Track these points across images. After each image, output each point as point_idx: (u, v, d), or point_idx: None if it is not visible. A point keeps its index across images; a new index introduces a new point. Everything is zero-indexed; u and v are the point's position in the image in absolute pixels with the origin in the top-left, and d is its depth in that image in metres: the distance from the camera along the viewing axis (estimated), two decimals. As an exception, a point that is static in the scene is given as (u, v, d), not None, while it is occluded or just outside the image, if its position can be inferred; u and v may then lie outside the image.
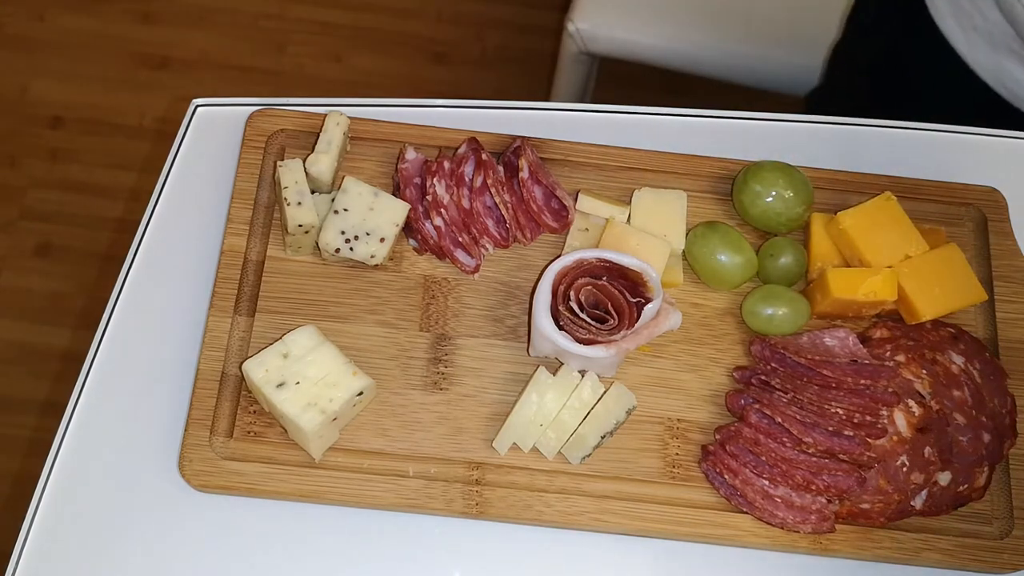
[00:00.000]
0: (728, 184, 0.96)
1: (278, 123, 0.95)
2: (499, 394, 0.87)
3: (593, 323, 0.83)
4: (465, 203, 0.91)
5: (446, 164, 0.91)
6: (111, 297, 0.90)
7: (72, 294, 1.86)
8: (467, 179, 0.92)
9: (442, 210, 0.90)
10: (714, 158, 0.97)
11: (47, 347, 1.82)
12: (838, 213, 0.91)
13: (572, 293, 0.84)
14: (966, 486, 0.85)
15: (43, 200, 1.93)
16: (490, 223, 0.92)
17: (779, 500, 0.83)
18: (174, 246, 0.93)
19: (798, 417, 0.83)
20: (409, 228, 0.91)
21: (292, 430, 0.82)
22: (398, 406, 0.86)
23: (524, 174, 0.91)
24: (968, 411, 0.87)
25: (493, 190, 0.91)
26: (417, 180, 0.92)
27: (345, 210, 0.88)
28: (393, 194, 0.92)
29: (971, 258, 0.95)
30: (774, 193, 0.91)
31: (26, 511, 0.83)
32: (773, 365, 0.87)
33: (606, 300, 0.84)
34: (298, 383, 0.80)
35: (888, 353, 0.88)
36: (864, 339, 0.89)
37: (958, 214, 0.97)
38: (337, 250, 0.87)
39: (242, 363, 0.83)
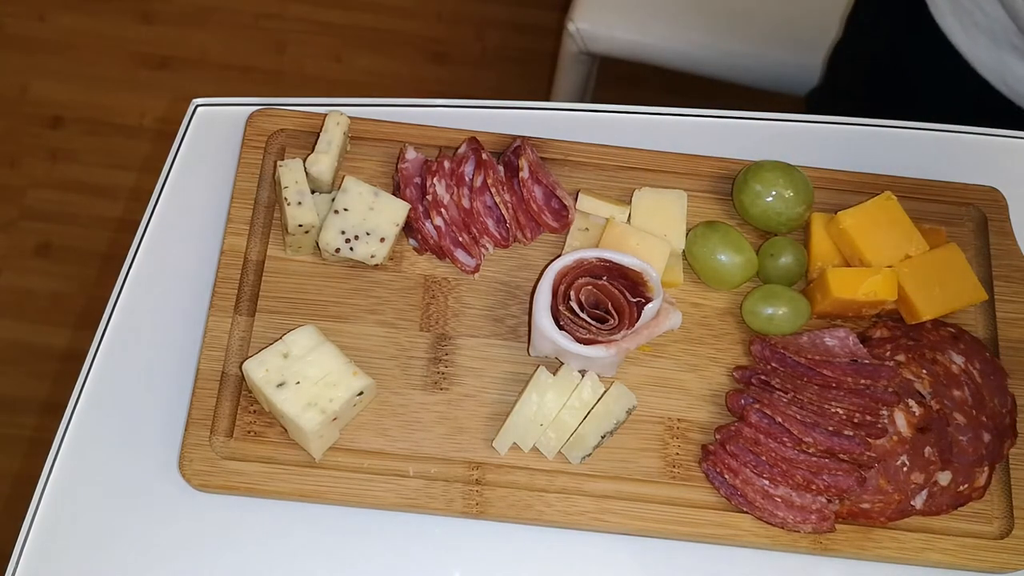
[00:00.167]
0: (728, 184, 0.96)
1: (278, 123, 0.95)
2: (499, 394, 0.87)
3: (593, 323, 0.83)
4: (465, 203, 0.91)
5: (446, 164, 0.91)
6: (111, 297, 0.90)
7: (72, 294, 1.86)
8: (467, 179, 0.92)
9: (442, 210, 0.90)
10: (714, 158, 0.97)
11: (47, 347, 1.82)
12: (838, 213, 0.91)
13: (572, 293, 0.84)
14: (966, 486, 0.85)
15: (43, 200, 1.93)
16: (490, 223, 0.92)
17: (779, 500, 0.83)
18: (174, 246, 0.93)
19: (798, 417, 0.83)
20: (409, 228, 0.91)
21: (292, 430, 0.82)
22: (398, 406, 0.86)
23: (524, 174, 0.91)
24: (968, 411, 0.87)
25: (493, 190, 0.91)
26: (417, 180, 0.92)
27: (345, 210, 0.88)
28: (393, 194, 0.92)
29: (971, 258, 0.95)
30: (774, 193, 0.91)
31: (26, 511, 0.83)
32: (773, 365, 0.87)
33: (606, 300, 0.84)
34: (298, 383, 0.80)
35: (888, 353, 0.88)
36: (864, 339, 0.89)
37: (958, 214, 0.97)
38: (337, 250, 0.87)
39: (242, 363, 0.83)
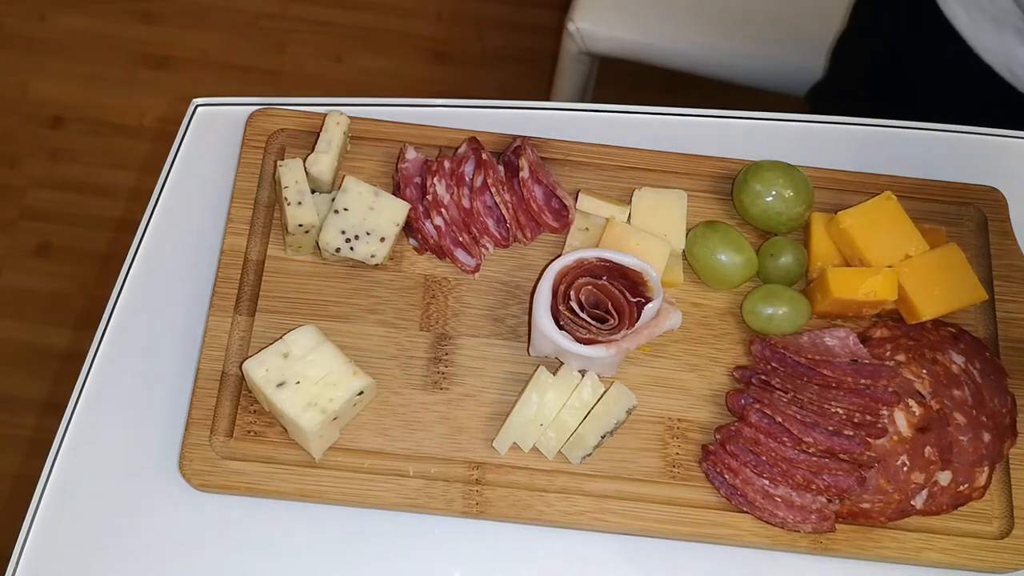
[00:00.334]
0: (728, 184, 0.96)
1: (278, 123, 0.95)
2: (499, 394, 0.87)
3: (593, 323, 0.83)
4: (465, 203, 0.91)
5: (446, 164, 0.91)
6: (111, 297, 0.90)
7: (72, 294, 1.86)
8: (467, 179, 0.92)
9: (442, 210, 0.90)
10: (714, 158, 0.97)
11: (47, 347, 1.82)
12: (838, 213, 0.91)
13: (572, 293, 0.84)
14: (966, 486, 0.85)
15: (43, 200, 1.93)
16: (490, 223, 0.92)
17: (779, 499, 0.83)
18: (174, 246, 0.93)
19: (798, 417, 0.83)
20: (409, 228, 0.91)
21: (292, 430, 0.82)
22: (398, 406, 0.86)
23: (524, 174, 0.91)
24: (968, 411, 0.87)
25: (493, 190, 0.91)
26: (417, 180, 0.92)
27: (345, 210, 0.88)
28: (393, 193, 0.92)
29: (971, 257, 0.95)
30: (774, 193, 0.91)
31: (26, 511, 0.83)
32: (773, 365, 0.87)
33: (606, 300, 0.84)
34: (298, 383, 0.80)
35: (888, 353, 0.88)
36: (864, 339, 0.89)
37: (958, 214, 0.97)
38: (337, 249, 0.87)
39: (242, 363, 0.83)
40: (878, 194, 0.92)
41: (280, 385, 0.80)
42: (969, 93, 1.13)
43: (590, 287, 0.84)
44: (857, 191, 0.96)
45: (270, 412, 0.84)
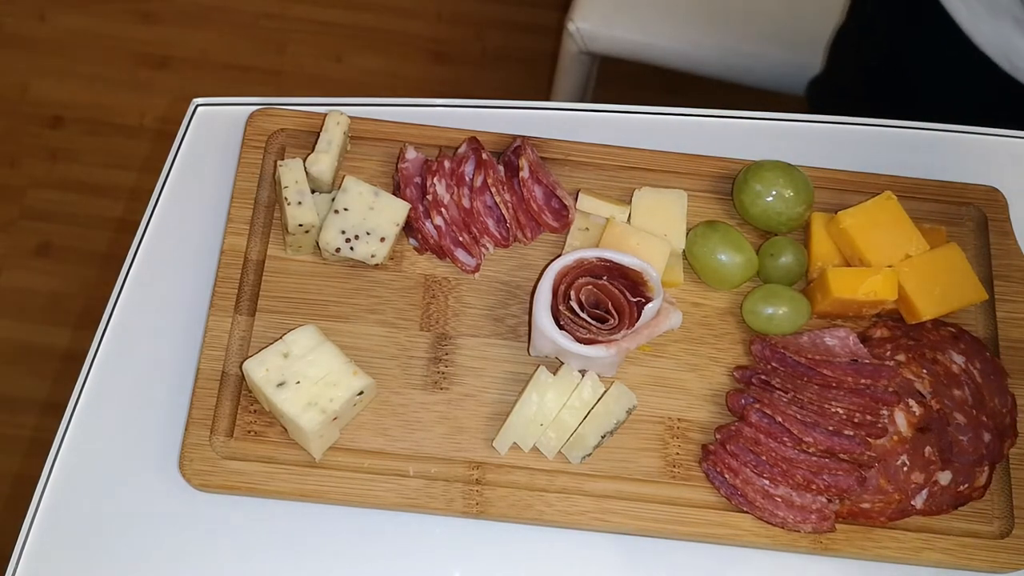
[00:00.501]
0: (729, 184, 0.96)
1: (278, 123, 0.95)
2: (499, 394, 0.87)
3: (593, 323, 0.83)
4: (465, 202, 0.91)
5: (446, 163, 0.91)
6: (111, 297, 0.90)
7: (72, 294, 1.86)
8: (467, 178, 0.92)
9: (442, 209, 0.90)
10: (714, 158, 0.97)
11: (47, 347, 1.82)
12: (838, 212, 0.91)
13: (572, 292, 0.84)
14: (966, 485, 0.85)
15: (43, 200, 1.93)
16: (490, 222, 0.92)
17: (779, 499, 0.83)
18: (174, 246, 0.93)
19: (798, 416, 0.83)
20: (409, 227, 0.91)
21: (292, 430, 0.82)
22: (398, 406, 0.86)
23: (524, 173, 0.91)
24: (968, 410, 0.87)
25: (493, 189, 0.91)
26: (417, 179, 0.92)
27: (345, 209, 0.88)
28: (393, 193, 0.92)
29: (971, 257, 0.95)
30: (774, 192, 0.91)
31: (26, 511, 0.83)
32: (773, 364, 0.87)
33: (606, 299, 0.84)
34: (298, 383, 0.80)
35: (888, 352, 0.88)
36: (864, 339, 0.89)
37: (958, 213, 0.97)
38: (337, 249, 0.87)
39: (242, 363, 0.83)
40: (878, 194, 0.92)
41: (280, 385, 0.80)
42: (967, 84, 1.13)
43: (590, 287, 0.84)
44: (857, 191, 0.96)
45: (270, 412, 0.84)
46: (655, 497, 0.84)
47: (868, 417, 0.84)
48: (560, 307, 0.83)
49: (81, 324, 1.83)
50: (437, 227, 0.90)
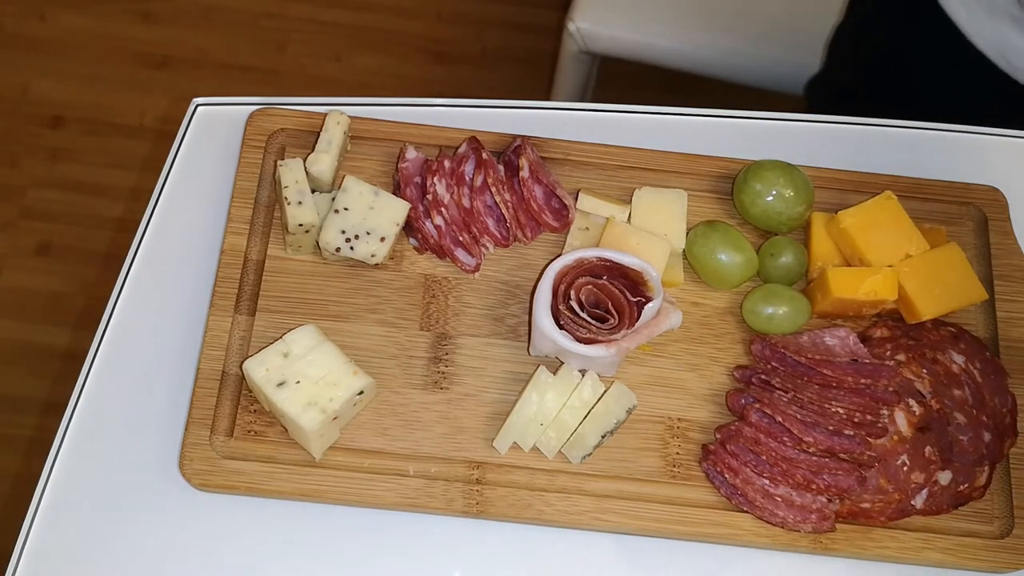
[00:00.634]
0: (729, 183, 0.96)
1: (279, 122, 0.95)
2: (499, 393, 0.87)
3: (593, 322, 0.83)
4: (465, 202, 0.91)
5: (446, 163, 0.91)
6: (111, 297, 0.90)
7: (72, 294, 1.86)
8: (467, 178, 0.92)
9: (442, 209, 0.90)
10: (714, 157, 0.97)
11: (47, 347, 1.82)
12: (838, 212, 0.91)
13: (572, 292, 0.84)
14: (966, 485, 0.85)
15: (43, 200, 1.93)
16: (490, 222, 0.92)
17: (779, 499, 0.83)
18: (174, 246, 0.93)
19: (798, 416, 0.83)
20: (409, 227, 0.91)
21: (293, 429, 0.82)
22: (398, 405, 0.86)
23: (524, 173, 0.91)
24: (968, 410, 0.87)
25: (493, 189, 0.91)
26: (417, 179, 0.92)
27: (345, 209, 0.88)
28: (393, 193, 0.92)
29: (971, 257, 0.95)
30: (774, 192, 0.91)
31: (26, 511, 0.83)
32: (773, 364, 0.87)
33: (606, 299, 0.84)
34: (298, 382, 0.80)
35: (888, 352, 0.88)
36: (864, 338, 0.89)
37: (959, 213, 0.97)
38: (337, 249, 0.87)
39: (243, 362, 0.83)
40: (878, 194, 0.92)
41: (280, 385, 0.80)
42: (966, 83, 1.13)
43: (590, 287, 0.84)
44: (857, 191, 0.96)
45: (270, 412, 0.84)
46: (655, 497, 0.84)
47: (868, 417, 0.84)
48: (560, 307, 0.83)
49: (81, 324, 1.83)
50: (437, 227, 0.90)
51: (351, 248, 0.87)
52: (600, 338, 0.83)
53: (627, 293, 0.84)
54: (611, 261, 0.85)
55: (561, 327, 0.83)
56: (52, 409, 1.75)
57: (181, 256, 0.92)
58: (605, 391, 0.84)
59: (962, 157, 1.03)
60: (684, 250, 0.92)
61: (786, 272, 0.91)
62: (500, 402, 0.86)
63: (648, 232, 0.90)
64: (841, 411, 0.84)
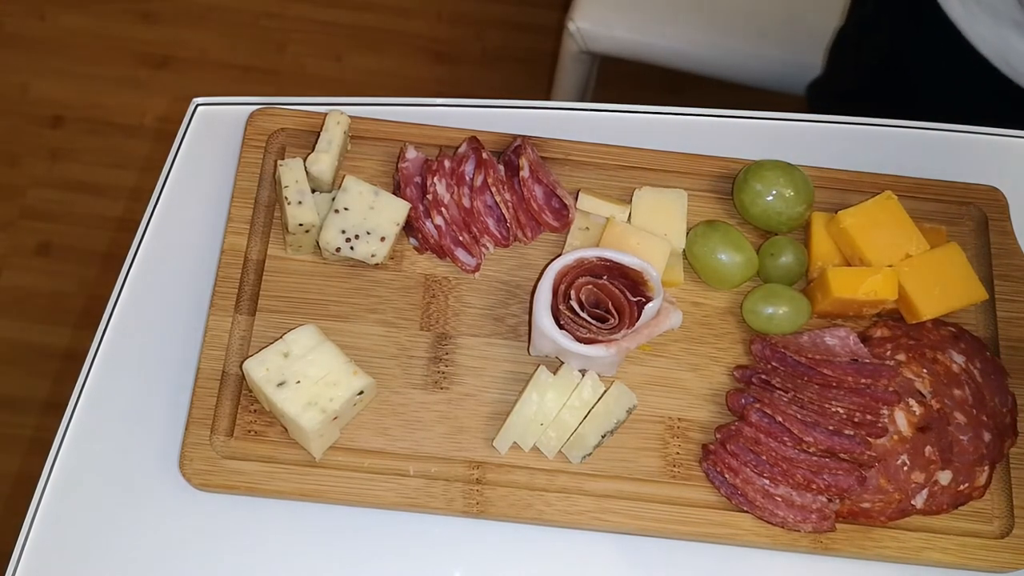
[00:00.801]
0: (729, 183, 0.96)
1: (279, 122, 0.95)
2: (499, 393, 0.87)
3: (594, 322, 0.83)
4: (466, 202, 0.91)
5: (447, 163, 0.91)
6: (111, 296, 0.90)
7: (72, 294, 1.86)
8: (468, 178, 0.92)
9: (443, 209, 0.90)
10: (714, 157, 0.97)
11: (47, 347, 1.82)
12: (839, 212, 0.91)
13: (573, 292, 0.84)
14: (967, 485, 0.85)
15: (43, 200, 1.93)
16: (490, 222, 0.92)
17: (780, 499, 0.83)
18: (174, 246, 0.93)
19: (799, 416, 0.83)
20: (410, 227, 0.91)
21: (293, 429, 0.82)
22: (399, 405, 0.86)
23: (525, 173, 0.91)
24: (969, 410, 0.87)
25: (494, 189, 0.91)
26: (418, 179, 0.92)
27: (346, 209, 0.88)
28: (394, 193, 0.92)
29: (972, 257, 0.95)
30: (775, 192, 0.91)
31: (26, 511, 0.83)
32: (774, 364, 0.87)
33: (607, 299, 0.84)
34: (299, 382, 0.80)
35: (889, 352, 0.88)
36: (865, 338, 0.89)
37: (959, 213, 0.97)
38: (338, 249, 0.87)
39: (243, 362, 0.83)
40: (878, 193, 0.92)
41: (280, 384, 0.80)
42: (967, 85, 1.14)
43: (590, 286, 0.84)
44: (857, 191, 0.96)
45: (270, 411, 0.84)
46: (655, 497, 0.84)
47: (868, 417, 0.84)
48: (560, 307, 0.83)
49: (81, 324, 1.83)
50: (437, 227, 0.90)
51: (351, 248, 0.87)
52: (600, 338, 0.83)
53: (627, 293, 0.84)
54: (611, 261, 0.85)
55: (561, 327, 0.83)
56: (52, 409, 1.75)
57: (181, 256, 0.92)
58: (605, 391, 0.84)
59: (962, 157, 1.03)
60: (684, 250, 0.92)
61: (786, 272, 0.91)
62: (500, 402, 0.86)
63: (648, 232, 0.90)
64: (841, 411, 0.84)
